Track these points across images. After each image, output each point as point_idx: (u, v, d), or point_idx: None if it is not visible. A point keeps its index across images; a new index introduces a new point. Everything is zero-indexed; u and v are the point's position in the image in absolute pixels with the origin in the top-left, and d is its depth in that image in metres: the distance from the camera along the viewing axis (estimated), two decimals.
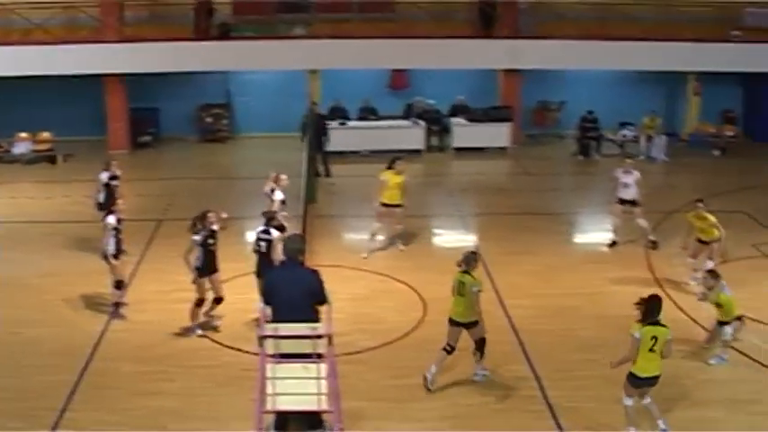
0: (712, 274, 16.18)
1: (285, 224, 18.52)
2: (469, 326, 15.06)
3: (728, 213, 19.11)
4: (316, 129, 27.40)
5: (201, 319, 17.00)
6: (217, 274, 16.83)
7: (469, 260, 14.93)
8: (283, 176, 20.02)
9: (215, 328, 16.98)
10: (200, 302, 16.79)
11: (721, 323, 15.88)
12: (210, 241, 16.52)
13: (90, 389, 14.93)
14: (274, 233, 16.91)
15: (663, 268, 20.48)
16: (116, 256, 17.55)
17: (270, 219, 17.24)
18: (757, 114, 33.60)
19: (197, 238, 16.38)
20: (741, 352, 16.29)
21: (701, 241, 19.27)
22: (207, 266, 16.58)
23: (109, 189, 20.62)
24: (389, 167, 21.18)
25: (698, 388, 14.97)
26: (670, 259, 20.89)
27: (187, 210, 23.61)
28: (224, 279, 16.94)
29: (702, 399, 14.70)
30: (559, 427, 13.98)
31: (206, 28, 31.17)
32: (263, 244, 16.94)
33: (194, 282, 16.59)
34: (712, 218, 18.94)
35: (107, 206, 19.34)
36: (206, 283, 16.70)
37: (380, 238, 21.59)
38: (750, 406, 14.60)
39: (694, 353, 16.11)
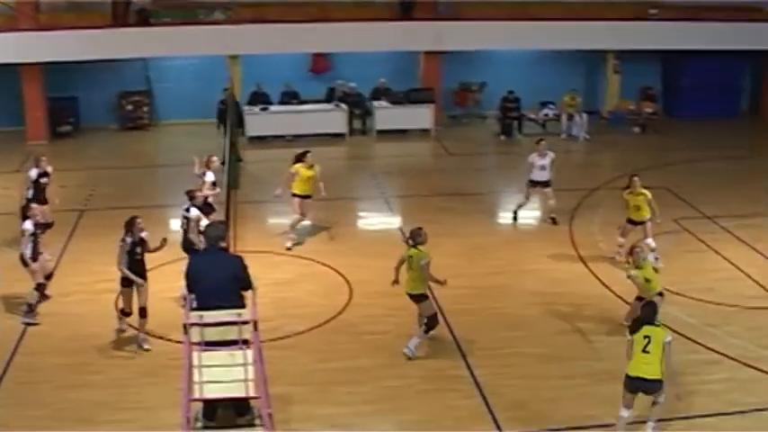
0: (640, 249, 16.19)
1: (215, 206, 18.53)
2: (418, 299, 15.45)
3: (650, 190, 19.30)
4: (234, 114, 27.22)
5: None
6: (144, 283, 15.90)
7: (416, 235, 15.35)
8: (215, 158, 20.05)
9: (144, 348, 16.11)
10: (125, 313, 16.19)
11: (640, 299, 15.97)
12: (138, 249, 15.68)
13: (14, 384, 14.71)
14: (193, 212, 16.83)
15: (586, 245, 20.71)
16: (34, 259, 17.15)
17: (191, 198, 17.16)
18: (676, 91, 34.05)
19: (123, 244, 15.58)
20: (664, 325, 16.52)
21: (631, 221, 19.35)
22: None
23: (38, 186, 20.05)
24: (299, 161, 20.93)
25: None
26: (593, 236, 21.19)
27: (109, 199, 23.63)
28: (149, 267, 16.65)
29: None
30: (487, 405, 14.10)
31: (124, 15, 30.77)
32: (184, 222, 16.92)
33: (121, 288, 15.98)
34: (648, 193, 19.04)
35: (34, 202, 18.86)
36: (132, 293, 15.94)
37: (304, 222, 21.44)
38: (677, 377, 14.82)
39: (617, 329, 16.24)
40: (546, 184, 21.85)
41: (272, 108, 31.04)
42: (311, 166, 20.78)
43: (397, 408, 14.08)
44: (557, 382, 14.85)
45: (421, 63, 32.56)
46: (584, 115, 31.46)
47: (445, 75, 32.58)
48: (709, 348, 15.95)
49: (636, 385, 12.85)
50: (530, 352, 15.82)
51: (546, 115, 32.11)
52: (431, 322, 15.55)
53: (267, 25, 30.49)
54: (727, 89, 34.26)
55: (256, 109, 30.56)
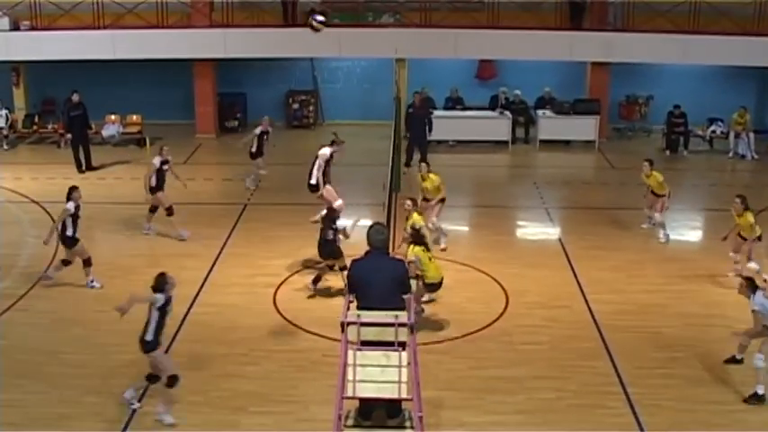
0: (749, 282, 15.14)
1: None
2: None
3: None
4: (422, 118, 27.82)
5: None
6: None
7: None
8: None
9: None
10: None
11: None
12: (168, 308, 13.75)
13: None
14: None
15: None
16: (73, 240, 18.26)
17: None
18: None
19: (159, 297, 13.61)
20: None
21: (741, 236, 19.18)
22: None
23: (160, 173, 21.27)
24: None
25: None
26: (761, 259, 20.55)
27: (273, 194, 24.01)
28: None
29: None
30: (639, 424, 13.85)
31: (294, 14, 31.22)
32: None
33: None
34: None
35: (157, 190, 21.11)
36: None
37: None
38: None
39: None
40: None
41: (437, 112, 31.06)
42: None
43: (547, 420, 13.95)
44: (710, 406, 14.49)
45: (588, 74, 32.22)
46: (752, 134, 30.60)
47: (612, 86, 32.18)
48: None
49: None
50: (686, 374, 15.46)
51: (713, 132, 31.43)
52: None
53: (435, 30, 30.55)
54: None
55: None
